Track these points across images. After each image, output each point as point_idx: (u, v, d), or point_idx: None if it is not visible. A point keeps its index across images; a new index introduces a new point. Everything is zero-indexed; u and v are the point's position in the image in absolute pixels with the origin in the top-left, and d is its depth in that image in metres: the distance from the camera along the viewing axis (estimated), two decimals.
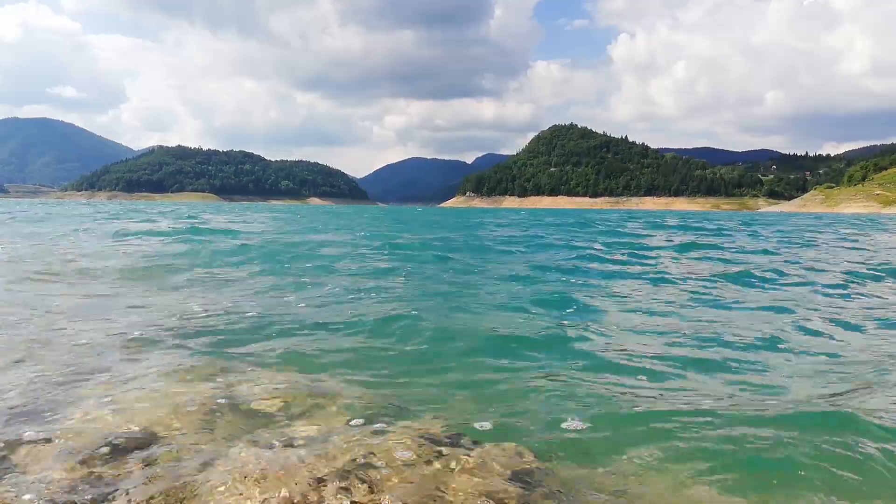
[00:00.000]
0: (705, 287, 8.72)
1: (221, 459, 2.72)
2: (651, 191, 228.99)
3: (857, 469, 2.72)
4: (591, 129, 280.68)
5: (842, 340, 5.41)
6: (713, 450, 2.92)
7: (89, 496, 2.39)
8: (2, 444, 2.86)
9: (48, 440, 2.91)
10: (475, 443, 3.01)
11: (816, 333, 5.65)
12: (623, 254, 14.35)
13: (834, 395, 3.84)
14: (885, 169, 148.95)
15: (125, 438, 2.93)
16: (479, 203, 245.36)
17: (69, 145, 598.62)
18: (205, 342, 5.01)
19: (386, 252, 13.63)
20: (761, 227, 32.52)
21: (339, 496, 2.36)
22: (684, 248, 16.23)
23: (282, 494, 2.37)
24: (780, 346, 5.14)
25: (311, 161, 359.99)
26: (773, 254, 14.66)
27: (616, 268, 11.32)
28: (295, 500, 2.34)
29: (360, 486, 2.46)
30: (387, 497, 2.39)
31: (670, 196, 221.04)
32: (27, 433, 2.99)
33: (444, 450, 2.89)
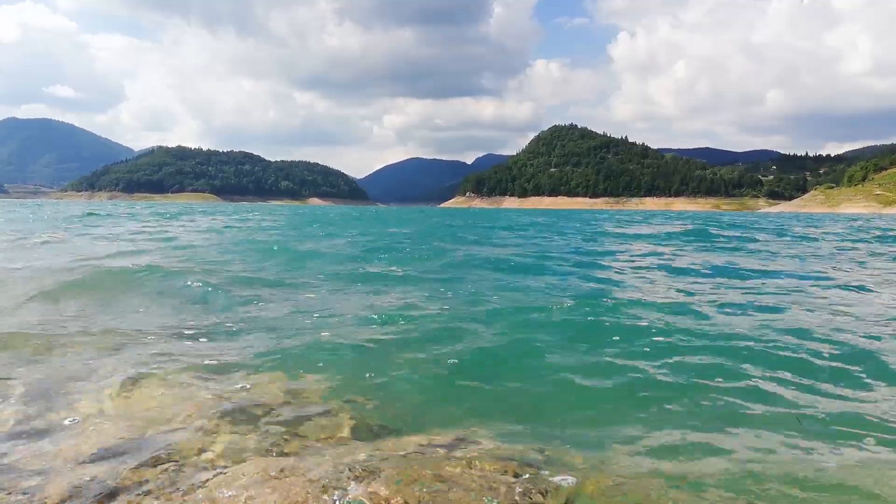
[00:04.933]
0: None
1: (225, 462, 2.74)
2: (651, 191, 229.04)
3: None
4: (591, 130, 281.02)
5: None
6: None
7: (93, 496, 2.41)
8: (6, 445, 2.90)
9: (52, 440, 2.94)
10: (477, 448, 3.02)
11: None
12: None
13: None
14: (886, 169, 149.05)
15: (129, 441, 2.95)
16: (479, 203, 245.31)
17: (69, 146, 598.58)
18: (210, 346, 5.01)
19: None
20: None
21: (341, 499, 2.38)
22: None
23: (286, 497, 2.38)
24: None
25: (311, 161, 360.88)
26: None
27: None
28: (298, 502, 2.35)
29: (361, 489, 2.47)
30: (391, 494, 2.41)
31: (671, 196, 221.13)
32: (31, 433, 3.02)
33: (449, 453, 2.91)
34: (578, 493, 2.51)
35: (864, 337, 5.32)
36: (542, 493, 2.46)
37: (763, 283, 8.99)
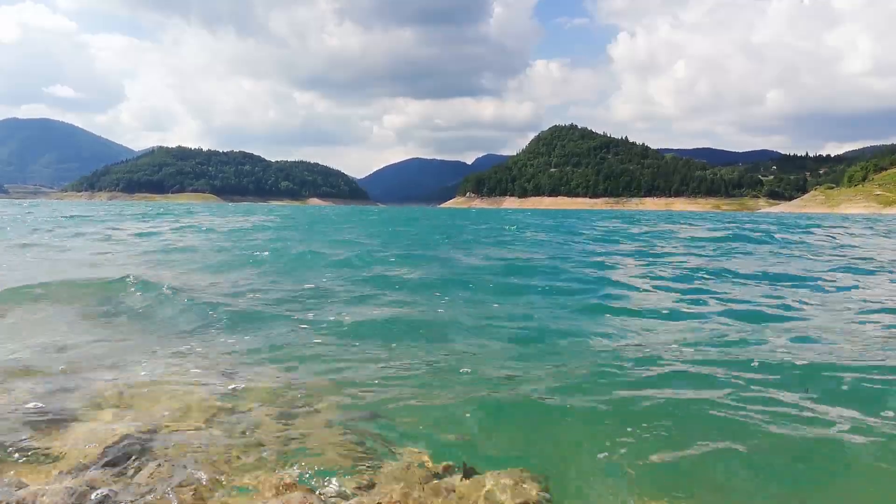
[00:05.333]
0: None
1: (223, 461, 2.78)
2: (651, 191, 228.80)
3: None
4: (591, 130, 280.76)
5: None
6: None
7: (95, 495, 2.45)
8: (10, 445, 2.96)
9: (55, 441, 3.01)
10: (474, 470, 3.00)
11: None
12: None
13: None
14: (886, 169, 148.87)
15: (129, 440, 2.99)
16: (479, 203, 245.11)
17: (69, 146, 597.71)
18: (206, 347, 4.93)
19: None
20: None
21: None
22: None
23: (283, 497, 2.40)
24: None
25: (311, 161, 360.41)
26: None
27: None
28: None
29: (357, 495, 2.48)
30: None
31: (670, 196, 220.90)
32: (34, 433, 3.08)
33: (442, 477, 2.88)
34: None
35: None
36: None
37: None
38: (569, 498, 2.75)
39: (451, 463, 3.04)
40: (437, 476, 2.91)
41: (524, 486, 2.79)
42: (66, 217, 34.19)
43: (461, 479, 2.88)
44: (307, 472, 2.81)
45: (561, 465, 3.07)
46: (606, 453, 3.14)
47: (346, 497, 2.59)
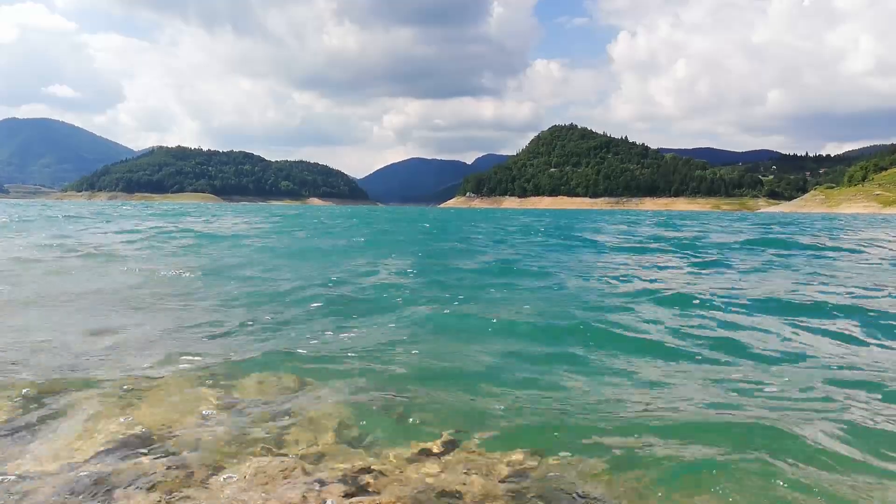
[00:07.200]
0: None
1: (224, 462, 2.77)
2: (651, 191, 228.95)
3: None
4: (591, 130, 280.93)
5: None
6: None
7: (94, 495, 2.43)
8: (9, 443, 2.94)
9: (54, 438, 2.98)
10: (473, 447, 3.03)
11: None
12: None
13: None
14: (886, 169, 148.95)
15: (130, 440, 2.97)
16: (479, 203, 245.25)
17: (69, 146, 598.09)
18: (207, 347, 5.03)
19: None
20: None
21: (337, 498, 2.39)
22: None
23: (282, 497, 2.38)
24: None
25: (311, 161, 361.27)
26: None
27: None
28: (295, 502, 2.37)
29: (357, 489, 2.49)
30: (384, 499, 2.41)
31: (670, 196, 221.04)
32: (31, 434, 3.04)
33: (443, 455, 2.90)
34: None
35: None
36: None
37: None
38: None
39: (451, 439, 3.08)
40: (439, 450, 2.95)
41: (523, 460, 2.84)
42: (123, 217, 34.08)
43: (462, 455, 2.90)
44: (305, 462, 2.78)
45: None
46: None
47: (344, 486, 2.55)
